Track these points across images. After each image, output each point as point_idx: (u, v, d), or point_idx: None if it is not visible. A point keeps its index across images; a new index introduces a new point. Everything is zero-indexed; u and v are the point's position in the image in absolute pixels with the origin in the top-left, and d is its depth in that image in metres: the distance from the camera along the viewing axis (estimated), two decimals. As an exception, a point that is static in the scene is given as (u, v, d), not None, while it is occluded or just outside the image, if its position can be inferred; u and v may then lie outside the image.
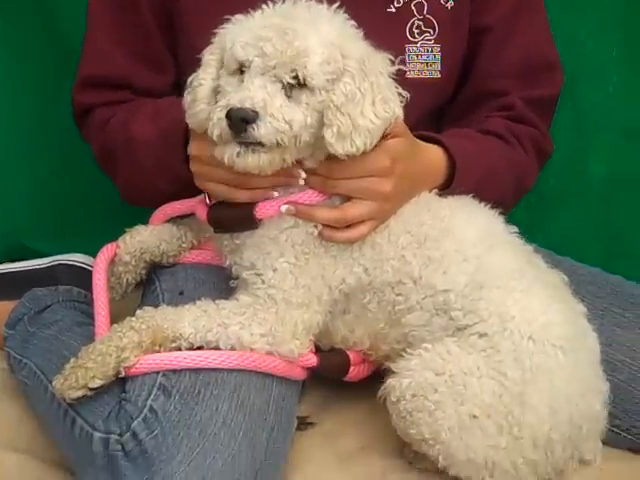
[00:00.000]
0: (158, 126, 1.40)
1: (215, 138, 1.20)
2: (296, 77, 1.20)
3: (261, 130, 1.18)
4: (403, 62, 1.29)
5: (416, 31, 1.51)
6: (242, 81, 1.21)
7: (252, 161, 1.20)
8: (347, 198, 1.29)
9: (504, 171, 1.48)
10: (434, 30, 1.51)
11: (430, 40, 1.51)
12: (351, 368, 1.37)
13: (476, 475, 1.24)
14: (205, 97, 1.25)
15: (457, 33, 1.53)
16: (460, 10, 1.52)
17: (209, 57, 1.27)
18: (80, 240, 1.83)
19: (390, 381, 1.25)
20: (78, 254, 1.80)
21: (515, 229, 1.67)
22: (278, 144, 1.20)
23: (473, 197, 1.36)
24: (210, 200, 1.35)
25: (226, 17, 1.26)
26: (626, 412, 1.38)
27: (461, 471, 1.24)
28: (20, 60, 1.87)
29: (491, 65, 1.55)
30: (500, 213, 1.36)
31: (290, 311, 1.28)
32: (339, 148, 1.22)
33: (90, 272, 1.44)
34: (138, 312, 1.29)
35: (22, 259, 1.83)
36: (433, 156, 1.39)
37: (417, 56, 1.50)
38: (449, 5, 1.52)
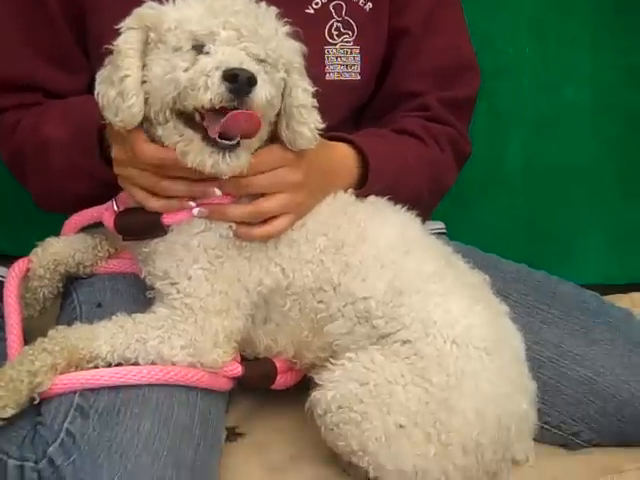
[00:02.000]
0: (70, 126, 1.35)
1: (206, 104, 1.12)
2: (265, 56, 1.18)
3: (261, 93, 1.13)
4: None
5: (335, 33, 1.50)
6: (203, 53, 1.14)
7: (236, 163, 1.17)
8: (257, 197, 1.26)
9: (418, 169, 1.47)
10: (353, 32, 1.50)
11: (349, 42, 1.50)
12: (278, 376, 1.34)
13: (407, 484, 1.22)
14: (134, 89, 1.18)
15: (376, 35, 1.52)
16: (379, 12, 1.51)
17: (126, 46, 1.19)
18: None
19: (315, 394, 1.23)
20: (-7, 266, 1.74)
21: (441, 225, 1.69)
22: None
23: (389, 199, 1.35)
24: (118, 207, 1.31)
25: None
26: (555, 408, 1.38)
27: (392, 481, 1.23)
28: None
29: (408, 66, 1.54)
30: (419, 215, 1.35)
31: (209, 319, 1.24)
32: (312, 143, 1.23)
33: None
34: (50, 332, 1.23)
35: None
36: (342, 153, 1.37)
37: (336, 58, 1.49)
38: (367, 7, 1.51)
